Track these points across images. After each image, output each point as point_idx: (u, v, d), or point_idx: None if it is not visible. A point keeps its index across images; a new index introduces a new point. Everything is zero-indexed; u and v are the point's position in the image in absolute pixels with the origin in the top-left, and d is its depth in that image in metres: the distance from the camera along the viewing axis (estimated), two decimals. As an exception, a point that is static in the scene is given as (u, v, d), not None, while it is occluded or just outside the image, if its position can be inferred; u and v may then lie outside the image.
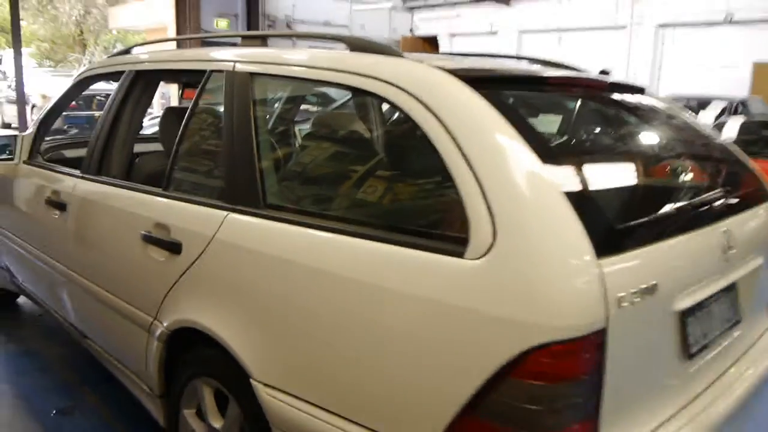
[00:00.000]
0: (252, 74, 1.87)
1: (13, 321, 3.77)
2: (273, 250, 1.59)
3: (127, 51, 2.74)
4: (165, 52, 2.43)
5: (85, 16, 28.13)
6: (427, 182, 1.50)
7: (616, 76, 2.01)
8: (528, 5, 16.26)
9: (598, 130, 1.75)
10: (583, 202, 1.29)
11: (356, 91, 1.60)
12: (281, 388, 1.54)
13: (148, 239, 1.96)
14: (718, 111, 10.06)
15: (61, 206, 2.55)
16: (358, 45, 1.71)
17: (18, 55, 9.21)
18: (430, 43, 18.42)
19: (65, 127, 11.25)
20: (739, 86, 12.67)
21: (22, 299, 3.83)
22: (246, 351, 1.60)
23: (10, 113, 15.19)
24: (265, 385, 1.56)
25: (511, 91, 1.60)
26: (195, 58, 2.20)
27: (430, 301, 1.27)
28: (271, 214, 1.65)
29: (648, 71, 14.26)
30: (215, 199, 1.84)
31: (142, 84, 2.48)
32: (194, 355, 1.86)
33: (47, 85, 15.05)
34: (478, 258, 1.23)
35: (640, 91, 2.05)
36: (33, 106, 14.47)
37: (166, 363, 1.97)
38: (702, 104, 10.49)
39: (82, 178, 2.49)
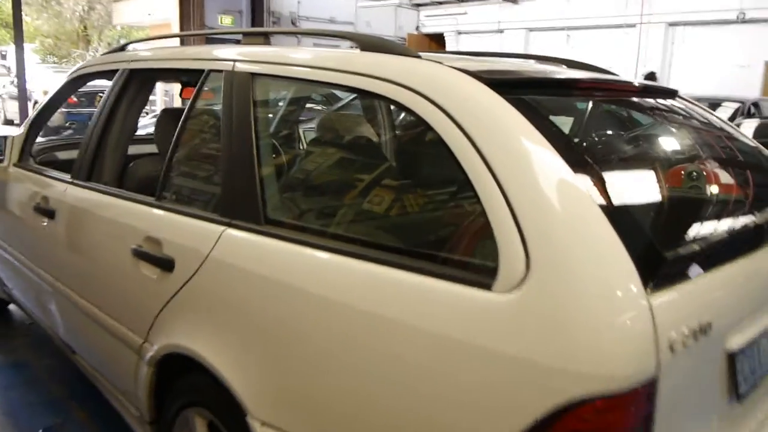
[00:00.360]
0: (253, 75, 1.71)
1: (3, 330, 3.62)
2: (273, 273, 1.43)
3: (121, 48, 2.58)
4: (161, 50, 2.27)
5: (89, 12, 28.01)
6: (448, 201, 1.34)
7: (634, 77, 1.84)
8: (535, 3, 16.05)
9: (636, 140, 1.58)
10: (628, 226, 1.13)
11: (368, 95, 1.43)
12: (282, 427, 1.38)
13: (139, 254, 1.80)
14: (731, 112, 9.85)
15: (50, 213, 2.39)
16: (370, 44, 1.55)
17: (20, 50, 9.07)
18: (437, 41, 18.23)
19: (67, 123, 11.11)
20: (750, 86, 12.46)
21: (13, 306, 3.68)
22: (243, 384, 1.44)
23: (12, 109, 15.09)
24: (263, 423, 1.39)
25: (540, 96, 1.43)
26: (192, 56, 2.04)
27: (452, 339, 1.11)
28: (272, 231, 1.49)
29: (658, 71, 14.04)
30: (211, 211, 1.68)
31: (136, 83, 2.32)
32: (187, 382, 1.69)
33: (50, 81, 14.93)
34: (509, 292, 1.07)
35: (672, 94, 1.88)
36: (35, 103, 14.36)
37: (157, 388, 1.81)
38: (713, 105, 10.28)
39: (72, 183, 2.34)
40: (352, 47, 1.63)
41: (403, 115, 1.71)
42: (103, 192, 2.16)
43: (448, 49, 17.01)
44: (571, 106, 1.52)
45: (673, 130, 1.75)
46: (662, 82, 13.97)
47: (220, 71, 1.81)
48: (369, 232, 1.41)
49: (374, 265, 1.26)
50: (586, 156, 1.31)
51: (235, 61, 1.78)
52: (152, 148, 2.90)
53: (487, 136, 1.19)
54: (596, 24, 14.91)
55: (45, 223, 2.41)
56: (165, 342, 1.69)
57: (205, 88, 1.91)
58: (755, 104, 10.33)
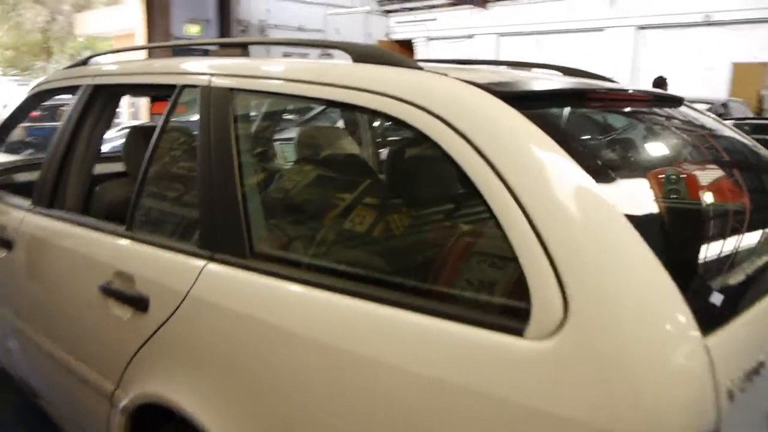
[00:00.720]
0: (232, 90, 1.54)
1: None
2: (262, 315, 1.26)
3: (84, 62, 2.38)
4: (128, 64, 2.09)
5: (50, 23, 27.35)
6: (467, 235, 1.19)
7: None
8: (505, 8, 16.07)
9: (667, 157, 1.45)
10: (675, 258, 1.00)
11: (367, 113, 1.28)
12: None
13: (109, 292, 1.62)
14: (702, 113, 9.90)
15: (7, 244, 2.18)
16: (364, 54, 1.40)
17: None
18: (406, 47, 18.15)
19: (27, 138, 10.72)
20: (717, 88, 12.61)
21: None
22: (231, 441, 1.27)
23: (-28, 124, 14.55)
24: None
25: (559, 110, 1.30)
26: (163, 70, 1.87)
27: (476, 394, 0.96)
28: (260, 266, 1.33)
29: (628, 74, 14.13)
30: (190, 243, 1.50)
31: (102, 100, 2.13)
32: (166, 435, 1.52)
33: (12, 95, 14.47)
34: (546, 338, 0.92)
35: (679, 102, 1.77)
36: (-5, 117, 13.87)
37: None
38: (685, 107, 10.33)
39: (32, 211, 2.13)
40: (323, 56, 1.48)
41: (399, 133, 1.56)
42: (67, 220, 1.96)
43: (417, 56, 16.94)
44: (591, 119, 1.39)
45: (699, 144, 1.62)
46: (633, 85, 14.04)
47: (195, 86, 1.64)
48: (373, 267, 1.25)
49: (381, 306, 1.10)
50: (621, 179, 1.17)
51: (211, 75, 1.61)
52: (117, 167, 2.72)
53: (510, 160, 1.04)
54: (566, 28, 14.98)
55: (2, 255, 2.20)
56: (140, 390, 1.51)
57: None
58: (724, 105, 10.45)
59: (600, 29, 14.50)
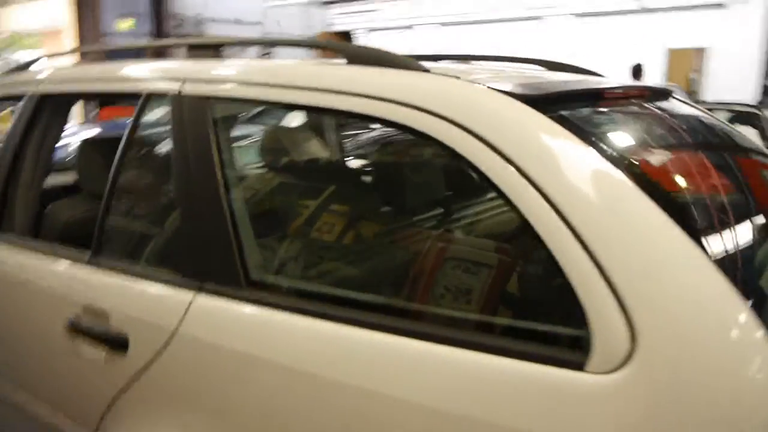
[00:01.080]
0: (209, 99, 1.38)
1: None
2: (265, 353, 1.12)
3: (25, 67, 2.15)
4: (81, 69, 1.88)
5: (-32, 19, 25.80)
6: (506, 252, 1.08)
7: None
8: (446, -2, 16.08)
9: (693, 157, 1.37)
10: (735, 270, 0.92)
11: (375, 122, 1.15)
12: None
13: (77, 329, 1.43)
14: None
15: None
16: (359, 55, 1.26)
17: None
18: (346, 39, 17.92)
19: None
20: (653, 74, 12.94)
21: None
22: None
23: None
24: None
25: (581, 112, 1.20)
26: (124, 77, 1.68)
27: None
28: (259, 296, 1.19)
29: (566, 62, 14.36)
30: (173, 272, 1.34)
31: (50, 110, 1.91)
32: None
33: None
34: (612, 372, 0.83)
35: (667, 94, 1.70)
36: None
37: None
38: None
39: (-25, 236, 1.90)
40: (264, 55, 1.34)
41: (410, 146, 1.43)
42: (18, 246, 1.75)
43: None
44: (612, 120, 1.30)
45: (717, 142, 1.54)
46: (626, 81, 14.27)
47: (164, 95, 1.47)
48: (398, 296, 1.13)
49: (411, 341, 0.98)
50: (667, 187, 1.08)
51: (183, 80, 1.44)
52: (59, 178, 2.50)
53: (548, 169, 0.94)
54: (505, 17, 15.09)
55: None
56: (122, 440, 1.34)
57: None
58: (664, 90, 10.71)
59: (539, 18, 14.68)
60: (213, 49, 1.57)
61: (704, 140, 1.46)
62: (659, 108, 1.46)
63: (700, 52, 12.91)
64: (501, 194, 0.95)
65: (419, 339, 0.98)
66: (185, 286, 1.28)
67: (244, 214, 1.31)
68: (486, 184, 0.96)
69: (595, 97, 1.29)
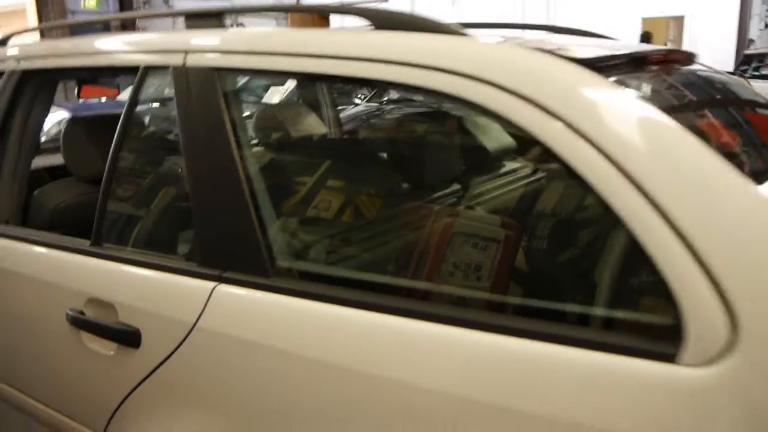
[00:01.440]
0: (218, 70, 1.26)
1: None
2: (297, 348, 1.03)
3: (2, 43, 1.99)
4: (66, 43, 1.72)
5: None
6: (578, 232, 0.99)
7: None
8: (420, -31, 15.82)
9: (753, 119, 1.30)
10: None
11: (417, 92, 1.04)
12: None
13: (81, 323, 1.32)
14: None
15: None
16: (389, 20, 1.15)
17: None
18: (319, 15, 17.55)
19: None
20: (629, 42, 12.94)
21: None
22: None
23: None
24: None
25: (640, 77, 1.11)
26: (117, 49, 1.54)
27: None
28: (287, 285, 1.09)
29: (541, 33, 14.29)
30: (187, 260, 1.23)
31: (33, 88, 1.77)
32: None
33: None
34: (710, 364, 0.75)
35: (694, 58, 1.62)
36: None
37: None
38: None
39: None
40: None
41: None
42: (7, 236, 1.62)
43: (331, 24, 16.44)
44: (669, 84, 1.21)
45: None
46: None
47: (165, 67, 1.35)
48: (451, 281, 1.04)
49: (470, 332, 0.90)
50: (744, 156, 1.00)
51: (186, 51, 1.32)
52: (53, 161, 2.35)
53: (625, 142, 0.85)
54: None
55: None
56: (136, 442, 1.25)
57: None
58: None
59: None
60: (216, 18, 1.44)
61: (747, 102, 1.39)
62: (696, 71, 1.39)
63: (678, 20, 12.94)
64: (556, 157, 0.86)
65: (483, 331, 0.89)
66: (204, 276, 1.17)
67: (266, 195, 1.20)
68: (556, 161, 0.87)
69: (642, 61, 1.21)
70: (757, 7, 13.64)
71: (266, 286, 1.10)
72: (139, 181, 1.48)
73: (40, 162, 2.39)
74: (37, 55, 1.74)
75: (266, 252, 1.13)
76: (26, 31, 2.22)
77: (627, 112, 0.88)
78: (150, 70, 1.40)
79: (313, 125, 1.56)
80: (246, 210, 1.15)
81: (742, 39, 13.30)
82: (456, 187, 1.63)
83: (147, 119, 1.51)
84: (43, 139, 6.26)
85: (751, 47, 12.54)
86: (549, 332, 0.84)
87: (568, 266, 0.97)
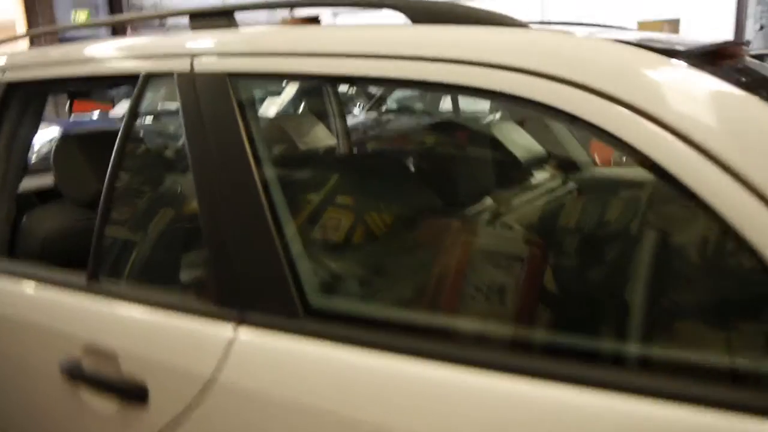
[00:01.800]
0: (232, 76, 1.09)
1: None
2: (335, 405, 0.85)
3: (-17, 53, 1.81)
4: (54, 51, 1.54)
5: None
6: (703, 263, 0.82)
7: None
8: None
9: None
10: None
11: (468, 93, 0.87)
12: None
13: (77, 375, 1.13)
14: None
15: None
16: (427, 12, 0.98)
17: None
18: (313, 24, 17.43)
19: None
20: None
21: None
22: None
23: None
24: None
25: (723, 70, 0.95)
26: (112, 55, 1.36)
27: None
28: (323, 329, 0.91)
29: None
30: (201, 299, 1.06)
31: (19, 102, 1.59)
32: None
33: None
34: None
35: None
36: None
37: None
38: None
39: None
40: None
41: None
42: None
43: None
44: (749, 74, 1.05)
45: None
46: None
47: (169, 74, 1.17)
48: (535, 322, 0.86)
49: (560, 388, 0.72)
50: None
51: (193, 55, 1.14)
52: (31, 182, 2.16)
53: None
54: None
55: None
56: None
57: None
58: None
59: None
60: (225, 17, 1.26)
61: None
62: (757, 62, 1.23)
63: (673, 24, 12.85)
64: (662, 172, 0.69)
65: (575, 385, 0.72)
66: (222, 318, 0.99)
67: (291, 219, 1.02)
68: (654, 170, 0.70)
69: (713, 54, 1.04)
70: (752, 7, 13.57)
71: (297, 329, 0.92)
72: (141, 205, 1.30)
73: (29, 184, 2.20)
74: (23, 65, 1.55)
75: (295, 286, 0.95)
76: (13, 39, 2.04)
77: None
78: (151, 78, 1.22)
79: (340, 137, 1.39)
80: (268, 236, 0.97)
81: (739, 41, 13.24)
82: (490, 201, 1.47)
83: (149, 134, 1.32)
84: (33, 158, 6.08)
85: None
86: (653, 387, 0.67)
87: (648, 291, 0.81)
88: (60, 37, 9.16)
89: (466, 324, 0.97)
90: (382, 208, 1.12)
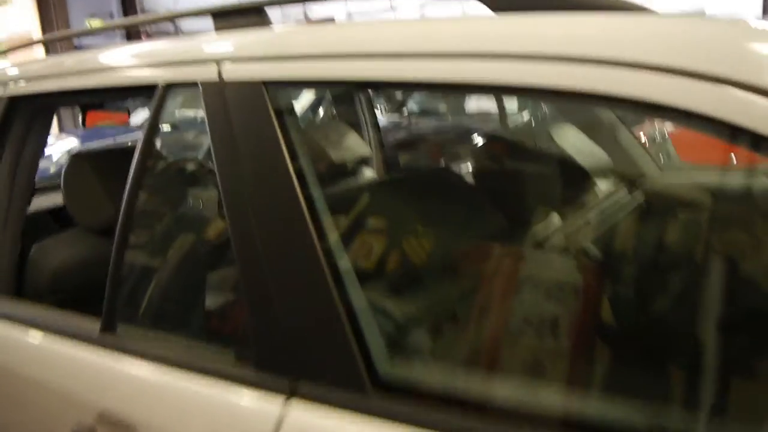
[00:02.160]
0: (269, 84, 0.89)
1: None
2: None
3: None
4: (63, 60, 1.35)
5: (-71, 31, 24.79)
6: None
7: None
8: (427, -23, 15.53)
9: None
10: None
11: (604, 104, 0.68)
12: None
13: (90, 448, 0.94)
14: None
15: None
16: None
17: None
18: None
19: None
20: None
21: None
22: None
23: None
24: None
25: None
26: (126, 63, 1.17)
27: None
28: (396, 408, 0.71)
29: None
30: (243, 360, 0.86)
31: (24, 118, 1.41)
32: None
33: None
34: None
35: None
36: None
37: None
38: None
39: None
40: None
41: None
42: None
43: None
44: None
45: None
46: None
47: (192, 84, 0.98)
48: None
49: None
50: None
51: (220, 61, 0.95)
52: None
53: None
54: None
55: None
56: None
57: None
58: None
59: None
60: (256, 14, 1.07)
61: None
62: None
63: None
64: None
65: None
66: (266, 388, 0.79)
67: (351, 262, 0.82)
68: None
69: None
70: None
71: (363, 406, 0.72)
72: (163, 239, 1.11)
73: (43, 202, 2.02)
74: (29, 77, 1.37)
75: (360, 350, 0.75)
76: (27, 45, 1.85)
77: None
78: (171, 88, 1.03)
79: (393, 153, 1.19)
80: (323, 283, 0.77)
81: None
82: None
83: (172, 151, 1.13)
84: (52, 170, 5.92)
85: None
86: None
87: None
88: (76, 44, 9.07)
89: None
90: (459, 241, 0.92)
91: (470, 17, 0.80)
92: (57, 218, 1.98)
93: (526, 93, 0.71)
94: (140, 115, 7.37)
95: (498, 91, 0.76)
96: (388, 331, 0.84)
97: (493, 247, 0.87)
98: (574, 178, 1.44)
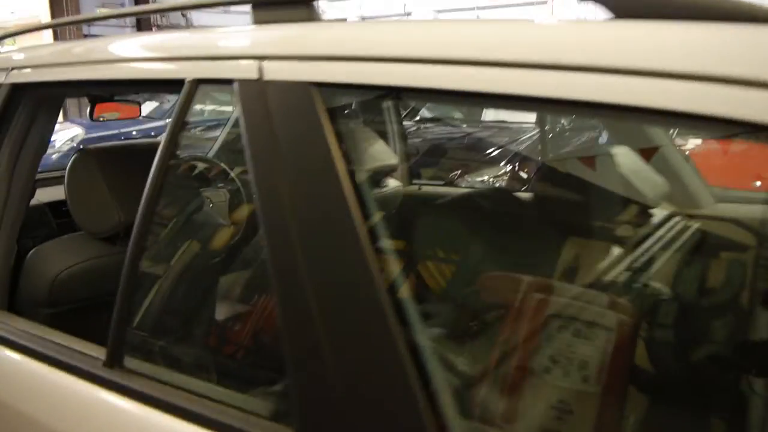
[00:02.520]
0: (321, 86, 0.74)
1: None
2: None
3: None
4: (72, 48, 1.21)
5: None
6: None
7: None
8: (443, -17, 15.43)
9: None
10: None
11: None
12: None
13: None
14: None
15: None
16: (637, 5, 0.64)
17: None
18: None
19: None
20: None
21: None
22: None
23: None
24: None
25: None
26: (148, 54, 1.03)
27: None
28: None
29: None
30: (278, 420, 0.71)
31: (27, 107, 1.26)
32: None
33: None
34: None
35: None
36: None
37: None
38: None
39: None
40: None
41: None
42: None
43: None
44: None
45: None
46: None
47: (227, 81, 0.84)
48: None
49: None
50: None
51: (262, 58, 0.80)
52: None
53: None
54: (507, 2, 14.48)
55: None
56: None
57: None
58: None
59: (542, 2, 14.08)
60: (303, 6, 0.92)
61: None
62: None
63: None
64: None
65: None
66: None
67: (413, 299, 0.67)
68: None
69: None
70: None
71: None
72: (181, 258, 0.96)
73: (42, 196, 1.87)
74: (34, 64, 1.23)
75: (429, 411, 0.60)
76: (35, 29, 1.70)
77: None
78: (201, 84, 0.89)
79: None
80: (383, 325, 0.63)
81: None
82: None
83: (198, 157, 0.99)
84: (54, 156, 5.75)
85: None
86: None
87: None
88: (85, 34, 8.93)
89: None
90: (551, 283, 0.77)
91: (578, 22, 0.66)
92: (56, 213, 1.83)
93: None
94: (147, 107, 7.21)
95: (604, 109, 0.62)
96: (461, 391, 0.69)
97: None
98: (635, 209, 1.30)
